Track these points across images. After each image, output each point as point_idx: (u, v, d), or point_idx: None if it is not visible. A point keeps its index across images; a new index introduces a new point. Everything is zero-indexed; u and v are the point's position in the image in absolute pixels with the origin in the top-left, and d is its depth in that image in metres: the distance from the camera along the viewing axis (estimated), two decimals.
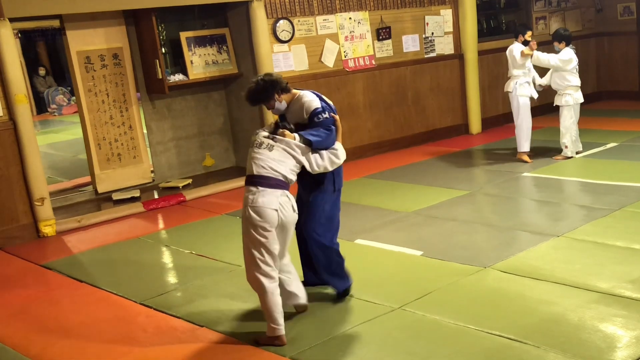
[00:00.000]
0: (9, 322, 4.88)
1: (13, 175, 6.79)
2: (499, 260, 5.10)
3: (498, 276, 4.85)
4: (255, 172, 4.15)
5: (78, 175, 9.27)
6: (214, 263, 5.66)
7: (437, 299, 4.55)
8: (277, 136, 4.23)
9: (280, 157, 4.18)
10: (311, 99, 4.42)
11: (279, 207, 4.09)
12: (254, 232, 4.09)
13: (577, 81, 8.05)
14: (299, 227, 4.55)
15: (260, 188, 4.10)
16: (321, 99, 4.48)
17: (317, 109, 4.37)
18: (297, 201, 4.40)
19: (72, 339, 4.50)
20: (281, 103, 4.42)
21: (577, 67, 8.10)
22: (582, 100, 8.14)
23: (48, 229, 6.89)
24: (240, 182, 8.27)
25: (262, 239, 4.07)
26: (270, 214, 4.07)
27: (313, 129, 4.33)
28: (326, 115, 4.38)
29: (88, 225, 7.13)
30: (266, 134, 4.28)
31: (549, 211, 6.31)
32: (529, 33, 8.29)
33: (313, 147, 4.28)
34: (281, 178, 4.15)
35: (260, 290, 4.09)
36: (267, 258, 4.09)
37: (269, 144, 4.20)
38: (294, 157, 4.22)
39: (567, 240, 5.44)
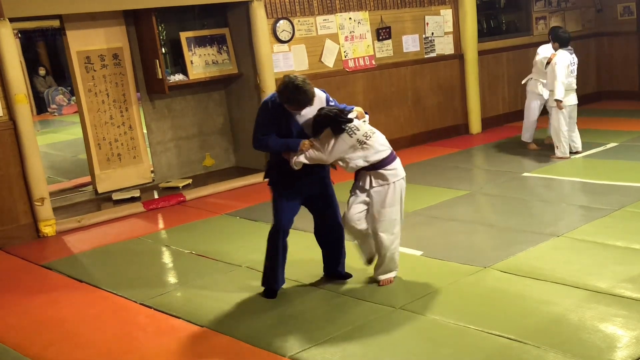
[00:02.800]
0: (9, 322, 4.88)
1: (13, 175, 6.79)
2: (499, 260, 5.10)
3: (498, 276, 4.85)
4: (391, 148, 4.61)
5: (78, 175, 9.26)
6: (214, 263, 5.66)
7: (437, 299, 4.56)
8: (356, 119, 4.52)
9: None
10: (318, 91, 4.65)
11: None
12: (402, 198, 4.68)
13: (564, 86, 8.04)
14: (325, 220, 4.83)
15: (397, 157, 4.65)
16: None
17: (327, 96, 4.66)
18: (307, 193, 4.71)
19: (72, 339, 4.50)
20: None
21: (574, 69, 8.09)
22: (573, 102, 8.14)
23: (48, 229, 6.89)
24: (240, 182, 8.28)
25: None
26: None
27: None
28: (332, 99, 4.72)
29: (88, 225, 7.13)
30: (359, 122, 4.51)
31: (549, 211, 6.31)
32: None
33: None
34: None
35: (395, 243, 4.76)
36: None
37: (371, 130, 4.54)
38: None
39: (567, 240, 5.44)
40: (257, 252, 5.77)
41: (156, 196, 7.97)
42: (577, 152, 8.29)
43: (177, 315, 4.68)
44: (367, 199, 4.64)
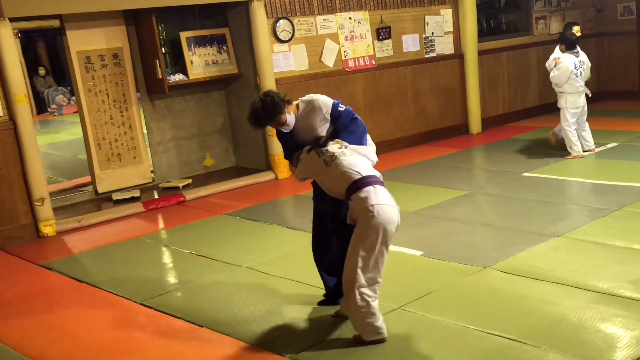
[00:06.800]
0: (9, 322, 4.88)
1: (13, 176, 6.79)
2: (499, 260, 5.09)
3: (498, 276, 4.85)
4: (364, 174, 3.92)
5: (78, 175, 9.27)
6: (214, 263, 5.66)
7: (437, 299, 4.55)
8: (335, 145, 4.13)
9: (363, 159, 4.10)
10: (324, 98, 4.33)
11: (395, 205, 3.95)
12: (378, 235, 3.84)
13: (571, 88, 8.05)
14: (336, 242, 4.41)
15: (377, 186, 3.91)
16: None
17: (334, 102, 4.30)
18: (320, 209, 4.41)
19: (72, 339, 4.50)
20: (290, 115, 4.22)
21: (581, 70, 8.10)
22: (579, 104, 8.14)
23: (48, 229, 6.89)
24: (240, 182, 8.27)
25: (386, 242, 3.87)
26: (393, 212, 3.90)
27: (345, 129, 4.25)
28: (342, 105, 4.32)
29: (88, 225, 7.13)
30: (330, 147, 4.12)
31: (549, 211, 6.30)
32: (576, 28, 8.44)
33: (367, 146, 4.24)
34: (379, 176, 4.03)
35: (363, 297, 3.88)
36: (381, 264, 3.89)
37: (341, 152, 4.06)
38: (364, 155, 4.16)
39: (567, 240, 5.44)
40: (257, 252, 5.78)
41: (156, 196, 7.98)
42: (589, 150, 8.29)
43: (177, 315, 4.68)
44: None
